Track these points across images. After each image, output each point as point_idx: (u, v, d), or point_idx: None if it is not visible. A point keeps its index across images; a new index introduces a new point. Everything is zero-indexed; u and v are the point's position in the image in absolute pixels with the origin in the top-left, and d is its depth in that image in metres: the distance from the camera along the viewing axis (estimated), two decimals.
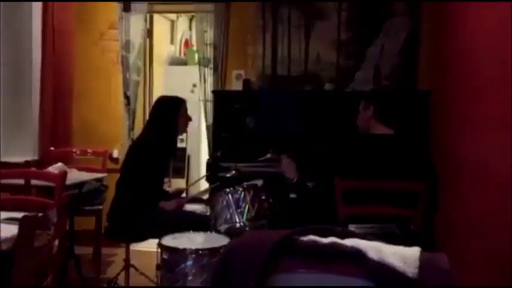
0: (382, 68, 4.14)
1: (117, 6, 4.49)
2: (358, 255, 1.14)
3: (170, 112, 3.27)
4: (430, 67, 3.92)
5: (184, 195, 3.95)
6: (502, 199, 2.20)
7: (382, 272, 1.09)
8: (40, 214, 1.74)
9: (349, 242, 1.18)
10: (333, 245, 1.18)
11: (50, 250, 1.83)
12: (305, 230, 1.23)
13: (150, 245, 3.29)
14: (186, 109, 3.35)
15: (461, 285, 1.00)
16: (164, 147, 3.24)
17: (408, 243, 1.20)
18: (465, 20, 2.98)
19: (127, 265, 3.43)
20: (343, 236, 1.21)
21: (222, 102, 4.20)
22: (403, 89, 4.02)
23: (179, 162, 6.20)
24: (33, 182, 3.09)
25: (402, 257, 1.10)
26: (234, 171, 3.24)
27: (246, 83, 4.26)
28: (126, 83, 4.53)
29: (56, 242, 1.88)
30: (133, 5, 4.43)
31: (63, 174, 2.69)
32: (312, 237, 1.21)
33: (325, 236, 1.22)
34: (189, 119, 3.42)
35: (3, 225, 2.12)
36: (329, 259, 1.16)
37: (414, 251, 1.12)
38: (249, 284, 1.17)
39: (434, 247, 2.39)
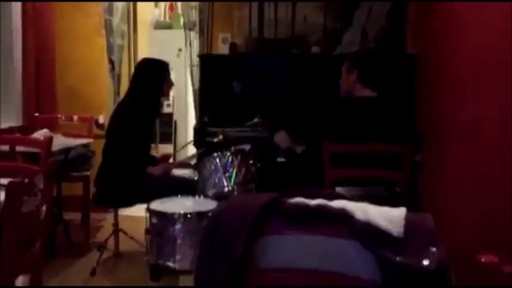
0: (369, 31, 4.10)
1: None
2: (345, 216, 1.15)
3: (154, 76, 3.24)
4: (417, 29, 3.89)
5: (171, 160, 3.95)
6: (488, 158, 2.23)
7: (368, 231, 1.11)
8: (26, 180, 1.73)
9: (336, 203, 1.20)
10: (320, 206, 1.19)
11: (37, 216, 1.83)
12: (293, 192, 1.24)
13: (139, 210, 3.32)
14: (169, 73, 3.31)
15: (446, 244, 1.02)
16: (148, 111, 3.22)
17: (395, 205, 1.21)
18: None
19: (116, 230, 3.46)
20: (330, 198, 1.22)
21: (209, 66, 4.15)
22: (388, 51, 4.00)
23: (166, 127, 6.18)
24: (19, 148, 3.05)
25: (388, 217, 1.12)
26: (221, 136, 3.23)
27: (233, 46, 4.20)
28: (110, 48, 4.45)
29: (44, 208, 1.88)
30: None
31: (49, 140, 2.66)
32: (299, 199, 1.22)
33: (313, 198, 1.23)
34: (172, 83, 3.39)
35: None
36: (316, 220, 1.18)
37: (400, 211, 1.14)
38: (238, 246, 1.18)
39: (420, 208, 2.43)
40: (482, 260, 1.21)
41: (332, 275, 1.16)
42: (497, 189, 2.15)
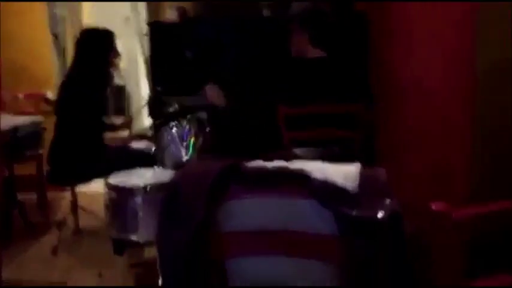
0: None
1: None
2: (303, 176, 1.18)
3: (98, 46, 3.14)
4: None
5: (127, 132, 3.89)
6: (438, 114, 2.30)
7: (325, 189, 1.14)
8: None
9: (294, 164, 1.22)
10: (279, 168, 1.21)
11: None
12: (250, 156, 1.26)
13: (97, 186, 3.27)
14: (113, 42, 3.22)
15: (399, 197, 1.07)
16: (97, 81, 3.13)
17: (350, 163, 1.25)
18: None
19: (74, 207, 3.40)
20: (288, 159, 1.25)
21: (158, 34, 4.03)
22: (338, 11, 4.00)
23: (119, 100, 6.02)
24: None
25: (344, 173, 1.15)
26: (176, 105, 3.19)
27: (182, 12, 4.10)
28: (53, 20, 4.25)
29: None
30: None
31: None
32: (258, 162, 1.24)
33: (271, 160, 1.24)
34: (118, 53, 3.31)
35: None
36: (276, 183, 1.20)
37: (354, 167, 1.17)
38: (199, 211, 1.19)
39: (375, 164, 2.51)
40: (433, 207, 1.27)
41: (293, 233, 1.19)
42: (442, 142, 2.24)
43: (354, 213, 1.09)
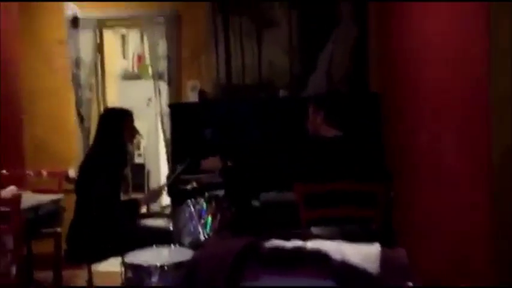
0: (333, 73, 4.22)
1: (65, 23, 4.40)
2: (321, 257, 1.17)
3: (114, 124, 3.24)
4: (379, 69, 4.03)
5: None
6: (456, 194, 2.28)
7: (345, 271, 1.12)
8: None
9: (312, 244, 1.21)
10: (296, 248, 1.20)
11: (7, 277, 1.77)
12: (268, 236, 1.25)
13: (113, 265, 3.23)
14: (132, 121, 3.31)
15: (419, 278, 1.04)
16: (113, 158, 3.18)
17: (369, 242, 1.23)
18: (409, 22, 3.09)
19: (90, 286, 3.35)
20: (306, 238, 1.24)
21: (179, 115, 4.17)
22: (352, 92, 4.12)
23: (138, 178, 6.11)
24: None
25: (363, 255, 1.14)
26: (194, 183, 3.22)
27: (202, 93, 4.25)
28: (78, 101, 4.43)
29: (14, 268, 1.82)
30: (82, 21, 4.35)
31: (18, 198, 2.60)
32: (275, 241, 1.23)
33: (288, 239, 1.24)
34: (136, 131, 3.39)
35: None
36: (294, 262, 1.18)
37: (374, 248, 1.16)
38: None
39: (395, 244, 2.46)
40: None
41: None
42: (463, 220, 2.20)
43: None
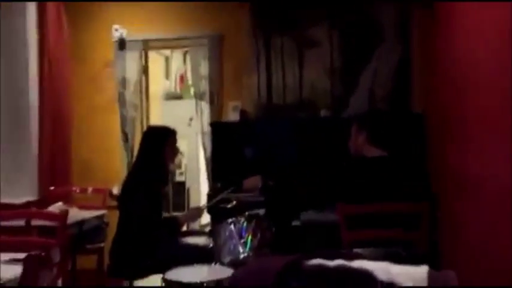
0: (376, 92, 4.18)
1: (112, 44, 4.56)
2: (366, 277, 1.14)
3: (156, 142, 3.28)
4: (423, 88, 3.97)
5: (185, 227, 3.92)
6: (506, 214, 2.19)
7: None
8: (43, 253, 1.73)
9: (356, 263, 1.18)
10: (340, 267, 1.17)
11: None
12: (312, 254, 1.23)
13: (154, 281, 3.26)
14: (174, 140, 3.34)
15: None
16: (154, 176, 3.22)
17: (415, 264, 1.19)
18: (455, 42, 3.04)
19: None
20: (350, 258, 1.21)
21: (220, 133, 4.22)
22: (395, 111, 4.06)
23: (179, 196, 6.18)
24: (34, 222, 3.06)
25: (411, 276, 1.10)
26: (234, 202, 3.23)
27: (243, 113, 4.29)
28: (123, 120, 4.56)
29: (60, 282, 1.86)
30: (129, 43, 4.50)
31: (65, 214, 2.68)
32: (319, 260, 1.21)
33: (332, 259, 1.21)
34: (177, 150, 3.42)
35: (5, 266, 2.10)
36: (337, 282, 1.16)
37: (422, 270, 1.12)
38: None
39: (441, 267, 2.37)
40: None
41: None
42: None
43: None
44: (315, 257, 1.23)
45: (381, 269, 1.15)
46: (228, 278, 2.42)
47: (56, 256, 1.81)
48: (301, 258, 1.21)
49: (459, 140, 2.89)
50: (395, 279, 1.10)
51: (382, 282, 1.11)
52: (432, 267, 1.17)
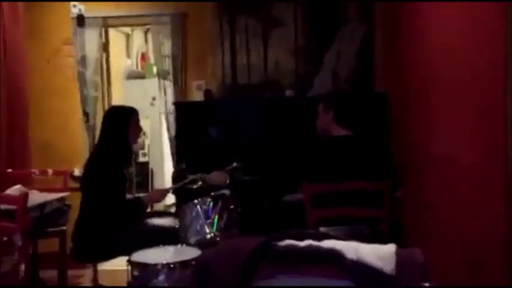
0: (339, 72, 4.22)
1: (70, 22, 4.40)
2: (336, 256, 1.16)
3: (118, 122, 3.22)
4: (386, 68, 4.03)
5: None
6: (470, 192, 2.27)
7: (361, 271, 1.11)
8: (5, 238, 1.67)
9: (326, 243, 1.20)
10: (310, 247, 1.19)
11: (16, 276, 1.76)
12: (281, 235, 1.24)
13: (118, 263, 3.23)
14: (137, 119, 3.28)
15: (437, 279, 1.03)
16: (117, 156, 3.17)
17: (378, 243, 1.22)
18: (418, 21, 3.08)
19: (96, 285, 3.34)
20: (319, 239, 1.23)
21: (184, 113, 4.17)
22: (360, 91, 4.12)
23: (142, 176, 6.11)
24: None
25: (379, 255, 1.13)
26: (200, 182, 3.21)
27: (207, 93, 4.25)
28: (84, 100, 4.44)
29: (23, 267, 1.81)
30: (88, 20, 4.35)
31: (25, 197, 2.60)
32: (288, 241, 1.22)
33: (302, 239, 1.23)
34: (140, 130, 3.38)
35: None
36: (307, 262, 1.17)
37: (390, 248, 1.15)
38: None
39: (403, 244, 2.45)
40: None
41: None
42: (478, 219, 2.19)
43: None
44: (285, 238, 1.24)
45: (350, 248, 1.17)
46: (195, 259, 2.42)
47: (18, 240, 1.76)
48: (271, 240, 1.22)
49: (423, 119, 2.96)
50: (364, 258, 1.13)
51: (351, 261, 1.13)
52: (396, 244, 1.20)
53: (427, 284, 1.06)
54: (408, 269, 1.10)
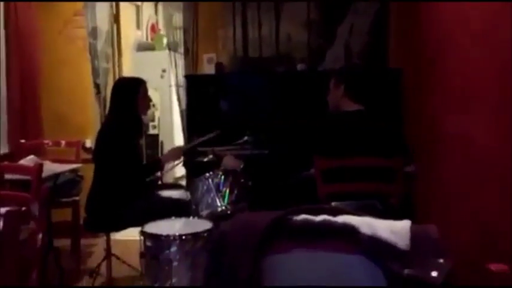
0: (352, 47, 4.17)
1: None
2: (350, 231, 1.17)
3: (127, 93, 3.23)
4: (399, 44, 3.97)
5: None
6: (483, 168, 2.26)
7: (376, 245, 1.13)
8: (23, 208, 1.71)
9: (340, 218, 1.22)
10: (325, 222, 1.20)
11: (34, 244, 1.80)
12: (297, 210, 1.26)
13: (129, 234, 3.28)
14: (145, 89, 3.29)
15: (451, 255, 1.04)
16: (127, 126, 3.18)
17: (390, 218, 1.23)
18: None
19: (108, 254, 3.41)
20: (334, 214, 1.24)
21: (195, 86, 4.16)
22: (373, 67, 4.08)
23: (152, 149, 6.14)
24: (7, 176, 3.01)
25: (394, 230, 1.14)
26: (211, 156, 3.23)
27: (219, 66, 4.23)
28: (95, 71, 4.43)
29: (40, 236, 1.85)
30: None
31: (40, 167, 2.63)
32: (304, 216, 1.24)
33: (317, 214, 1.24)
34: (150, 100, 3.38)
35: None
36: (323, 237, 1.19)
37: (405, 224, 1.16)
38: (245, 266, 1.19)
39: (414, 220, 2.46)
40: (493, 268, 1.22)
41: None
42: (492, 197, 2.19)
43: (406, 272, 1.07)
44: (301, 213, 1.25)
45: (365, 223, 1.18)
46: (207, 231, 2.46)
47: (35, 210, 1.79)
48: (287, 214, 1.24)
49: (438, 97, 2.93)
50: (379, 233, 1.14)
51: (366, 235, 1.15)
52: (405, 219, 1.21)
53: (441, 260, 1.07)
54: (423, 245, 1.11)
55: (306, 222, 1.21)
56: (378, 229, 1.15)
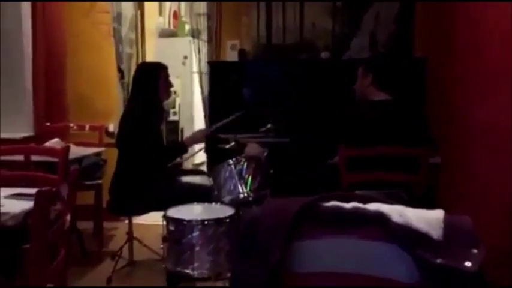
0: (377, 35, 4.12)
1: None
2: (381, 218, 1.16)
3: (148, 78, 3.25)
4: (426, 32, 3.91)
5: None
6: (504, 160, 2.23)
7: (407, 234, 1.11)
8: (54, 189, 1.74)
9: (371, 206, 1.20)
10: (356, 209, 1.19)
11: (62, 225, 1.84)
12: (327, 196, 1.25)
13: (151, 218, 3.32)
14: (166, 74, 3.31)
15: (485, 247, 1.03)
16: (149, 111, 3.20)
17: (416, 208, 1.22)
18: None
19: (130, 238, 3.46)
20: (364, 201, 1.23)
21: (218, 73, 4.16)
22: (400, 56, 4.02)
23: (172, 135, 6.18)
24: (34, 158, 3.06)
25: (426, 219, 1.13)
26: (233, 143, 3.24)
27: (242, 53, 4.22)
28: (119, 56, 4.46)
29: (68, 217, 1.88)
30: None
31: (66, 150, 2.67)
32: (334, 202, 1.23)
33: (347, 201, 1.23)
34: (171, 85, 3.40)
35: (10, 201, 2.12)
36: (353, 224, 1.18)
37: (438, 214, 1.14)
38: (275, 250, 1.19)
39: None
40: None
41: (369, 278, 1.16)
42: None
43: (439, 261, 1.06)
44: (331, 199, 1.24)
45: (396, 211, 1.17)
46: (229, 217, 2.48)
47: (65, 191, 1.82)
48: (317, 200, 1.23)
49: (464, 86, 2.89)
50: (411, 221, 1.13)
51: (398, 224, 1.13)
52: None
53: (475, 251, 1.06)
54: (456, 236, 1.09)
55: (337, 209, 1.20)
56: (410, 218, 1.14)
